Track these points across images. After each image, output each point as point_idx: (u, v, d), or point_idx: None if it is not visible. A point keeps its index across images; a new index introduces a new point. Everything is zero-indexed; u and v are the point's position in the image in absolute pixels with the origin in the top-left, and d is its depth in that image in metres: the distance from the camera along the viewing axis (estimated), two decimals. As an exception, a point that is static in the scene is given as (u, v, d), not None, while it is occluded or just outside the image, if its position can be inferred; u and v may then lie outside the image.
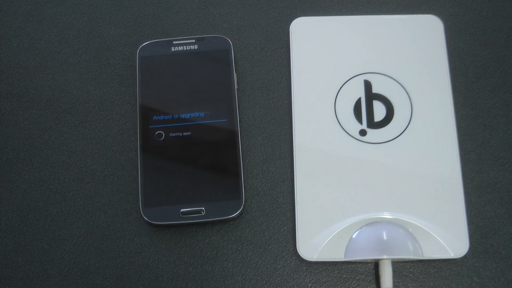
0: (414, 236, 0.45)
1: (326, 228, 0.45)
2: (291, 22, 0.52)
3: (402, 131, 0.48)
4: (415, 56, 0.51)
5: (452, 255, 0.45)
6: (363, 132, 0.48)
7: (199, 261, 0.47)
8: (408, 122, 0.49)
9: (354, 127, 0.49)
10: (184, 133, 0.49)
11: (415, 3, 0.55)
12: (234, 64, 0.51)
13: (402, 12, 0.54)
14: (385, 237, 0.45)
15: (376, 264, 0.46)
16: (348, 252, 0.45)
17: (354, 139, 0.48)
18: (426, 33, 0.51)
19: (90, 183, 0.49)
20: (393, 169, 0.47)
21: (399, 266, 0.46)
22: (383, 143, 0.48)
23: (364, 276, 0.46)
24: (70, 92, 0.52)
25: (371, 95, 0.50)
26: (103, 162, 0.50)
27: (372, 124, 0.49)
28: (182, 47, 0.52)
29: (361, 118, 0.49)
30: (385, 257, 0.44)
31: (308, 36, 0.51)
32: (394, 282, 0.46)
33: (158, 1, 0.55)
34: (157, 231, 0.48)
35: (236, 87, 0.51)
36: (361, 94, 0.50)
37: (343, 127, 0.49)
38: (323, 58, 0.51)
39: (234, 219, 0.48)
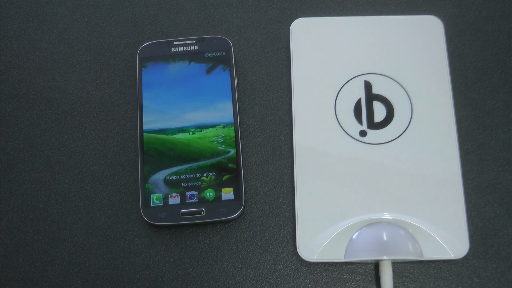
0: (414, 237, 0.45)
1: (326, 229, 0.46)
2: (291, 23, 0.52)
3: (402, 131, 0.48)
4: (415, 57, 0.51)
5: (452, 256, 0.45)
6: (363, 133, 0.48)
7: (199, 261, 0.47)
8: (408, 122, 0.49)
9: (354, 127, 0.49)
10: (184, 134, 0.49)
11: (415, 3, 0.55)
12: (234, 64, 0.51)
13: (402, 12, 0.54)
14: (385, 238, 0.45)
15: (376, 265, 0.46)
16: (348, 253, 0.45)
17: (354, 139, 0.48)
18: (426, 33, 0.51)
19: (91, 184, 0.49)
20: (393, 169, 0.47)
21: (399, 267, 0.46)
22: (383, 144, 0.48)
23: (364, 276, 0.46)
24: (71, 93, 0.52)
25: (371, 96, 0.50)
26: (103, 163, 0.50)
27: (372, 125, 0.49)
28: (182, 47, 0.52)
29: (361, 118, 0.49)
30: (385, 258, 0.44)
31: (308, 36, 0.51)
32: (394, 283, 0.46)
33: (158, 1, 0.55)
34: (157, 232, 0.48)
35: (236, 87, 0.51)
36: (361, 94, 0.50)
37: (343, 127, 0.49)
38: (323, 58, 0.51)
39: (234, 219, 0.48)
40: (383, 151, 0.48)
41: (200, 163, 0.48)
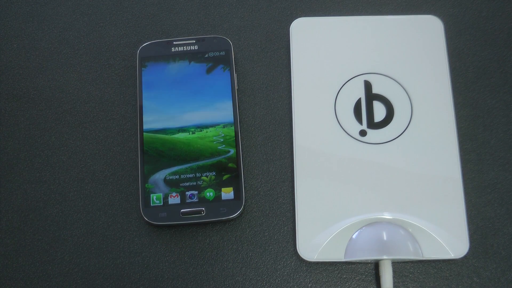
0: (414, 237, 0.45)
1: (326, 229, 0.46)
2: (291, 23, 0.52)
3: (402, 131, 0.48)
4: (415, 57, 0.51)
5: (452, 255, 0.45)
6: (363, 133, 0.48)
7: (199, 261, 0.47)
8: (408, 122, 0.49)
9: (354, 127, 0.49)
10: (184, 134, 0.49)
11: (415, 3, 0.55)
12: (234, 64, 0.51)
13: (402, 12, 0.54)
14: (385, 238, 0.45)
15: (376, 265, 0.46)
16: (348, 253, 0.45)
17: (354, 139, 0.48)
18: (426, 33, 0.51)
19: (91, 184, 0.49)
20: (393, 169, 0.47)
21: (399, 266, 0.46)
22: (383, 144, 0.48)
23: (364, 276, 0.46)
24: (70, 93, 0.52)
25: (371, 96, 0.50)
26: (103, 163, 0.50)
27: (372, 125, 0.49)
28: (182, 47, 0.52)
29: (361, 118, 0.49)
30: (385, 257, 0.44)
31: (308, 36, 0.51)
32: (394, 283, 0.46)
33: (158, 1, 0.55)
34: (157, 232, 0.48)
35: (236, 87, 0.51)
36: (361, 94, 0.50)
37: (343, 127, 0.49)
38: (323, 58, 0.51)
39: (234, 219, 0.48)
40: (383, 151, 0.48)
41: (200, 162, 0.48)
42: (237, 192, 0.47)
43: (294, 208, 0.47)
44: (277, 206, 0.48)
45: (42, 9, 0.55)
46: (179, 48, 0.52)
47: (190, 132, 0.49)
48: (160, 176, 0.48)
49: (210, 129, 0.49)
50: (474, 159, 0.49)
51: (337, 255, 0.45)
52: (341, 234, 0.45)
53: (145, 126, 0.49)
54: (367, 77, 0.50)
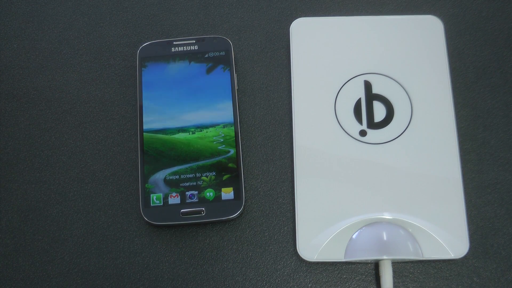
0: (414, 237, 0.45)
1: (326, 229, 0.46)
2: (291, 23, 0.52)
3: (402, 131, 0.48)
4: (415, 57, 0.51)
5: (452, 255, 0.45)
6: (363, 133, 0.48)
7: (199, 261, 0.47)
8: (408, 122, 0.49)
9: (354, 127, 0.49)
10: (184, 134, 0.49)
11: (415, 3, 0.55)
12: (234, 64, 0.51)
13: (402, 12, 0.54)
14: (385, 238, 0.45)
15: (376, 265, 0.46)
16: (348, 253, 0.45)
17: (354, 139, 0.48)
18: (426, 33, 0.51)
19: (91, 184, 0.49)
20: (393, 169, 0.47)
21: (399, 267, 0.46)
22: (383, 144, 0.48)
23: (364, 276, 0.46)
24: (70, 93, 0.52)
25: (371, 96, 0.50)
26: (103, 163, 0.50)
27: (372, 125, 0.49)
28: (182, 47, 0.52)
29: (361, 118, 0.49)
30: (385, 257, 0.44)
31: (308, 36, 0.51)
32: (394, 283, 0.46)
33: (158, 1, 0.55)
34: (157, 232, 0.48)
35: (236, 87, 0.51)
36: (361, 94, 0.50)
37: (343, 127, 0.49)
38: (323, 58, 0.51)
39: (234, 219, 0.48)
40: (383, 151, 0.48)
41: (200, 163, 0.48)
42: (237, 192, 0.47)
43: (294, 208, 0.47)
44: (277, 206, 0.48)
45: (42, 9, 0.55)
46: (179, 48, 0.52)
47: (190, 132, 0.49)
48: (160, 176, 0.48)
49: (210, 129, 0.49)
50: (474, 159, 0.49)
51: (337, 255, 0.45)
52: (341, 234, 0.45)
53: (145, 126, 0.49)
54: (367, 77, 0.50)
